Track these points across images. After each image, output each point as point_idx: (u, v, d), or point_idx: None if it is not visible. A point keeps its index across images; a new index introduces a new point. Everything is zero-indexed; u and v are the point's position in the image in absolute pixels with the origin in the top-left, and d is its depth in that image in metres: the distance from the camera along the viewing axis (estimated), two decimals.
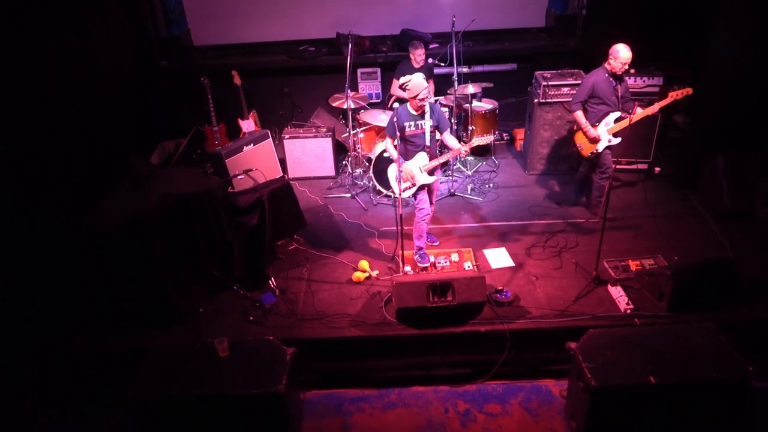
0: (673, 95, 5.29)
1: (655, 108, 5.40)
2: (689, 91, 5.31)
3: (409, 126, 5.03)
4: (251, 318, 4.88)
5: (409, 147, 5.12)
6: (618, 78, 5.47)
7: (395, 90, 6.94)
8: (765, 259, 5.28)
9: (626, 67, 5.37)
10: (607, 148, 5.61)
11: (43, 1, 5.40)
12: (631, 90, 6.48)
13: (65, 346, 4.71)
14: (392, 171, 5.20)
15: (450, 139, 5.20)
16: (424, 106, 4.98)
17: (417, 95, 4.90)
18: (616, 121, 5.50)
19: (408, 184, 5.19)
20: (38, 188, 5.03)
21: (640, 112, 5.31)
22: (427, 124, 5.04)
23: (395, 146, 5.08)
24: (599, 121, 5.57)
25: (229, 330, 4.77)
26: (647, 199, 6.22)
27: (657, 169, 6.80)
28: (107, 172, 5.82)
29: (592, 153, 5.69)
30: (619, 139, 5.53)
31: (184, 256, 4.88)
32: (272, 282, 5.22)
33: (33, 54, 5.19)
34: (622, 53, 5.31)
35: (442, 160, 5.21)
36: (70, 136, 5.61)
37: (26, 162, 4.92)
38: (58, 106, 5.48)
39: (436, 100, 6.50)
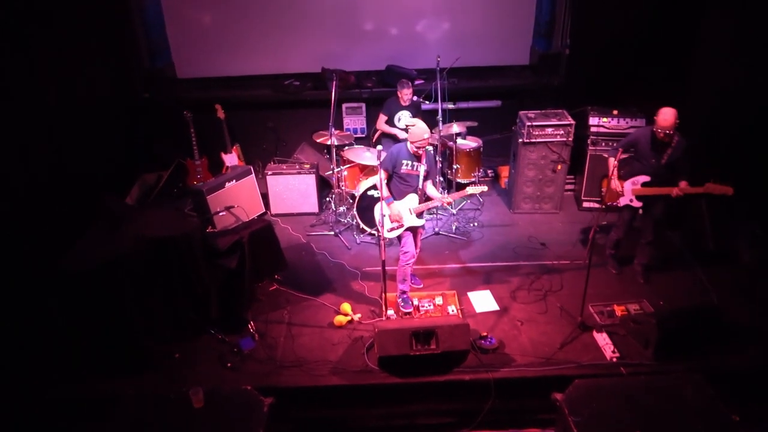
0: (710, 188, 4.92)
1: (681, 191, 5.06)
2: (729, 191, 4.90)
3: (407, 164, 5.02)
4: (229, 364, 4.73)
5: (401, 186, 5.09)
6: (664, 143, 5.10)
7: (381, 125, 6.92)
8: (749, 303, 5.27)
9: (666, 132, 4.98)
10: (631, 209, 5.42)
11: (21, 30, 5.32)
12: (614, 131, 6.57)
13: (34, 393, 4.51)
14: (379, 209, 5.12)
15: (432, 189, 5.21)
16: (422, 153, 4.98)
17: (415, 142, 4.90)
18: (645, 185, 5.23)
19: (396, 224, 5.12)
20: (9, 225, 4.88)
21: (660, 188, 5.13)
22: (422, 168, 5.04)
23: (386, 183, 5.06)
24: (631, 177, 5.38)
25: (206, 377, 4.62)
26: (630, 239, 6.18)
27: (639, 211, 6.77)
28: (85, 206, 5.67)
29: (610, 203, 5.48)
30: (640, 204, 5.34)
31: (159, 299, 4.73)
32: (251, 326, 5.08)
33: (8, 84, 5.09)
34: (660, 118, 5.01)
35: (432, 205, 5.17)
36: (45, 169, 5.50)
37: None
38: (33, 138, 5.37)
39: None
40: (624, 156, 5.48)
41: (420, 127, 4.93)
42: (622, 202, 5.46)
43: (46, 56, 5.73)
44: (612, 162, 5.33)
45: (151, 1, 7.70)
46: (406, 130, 5.21)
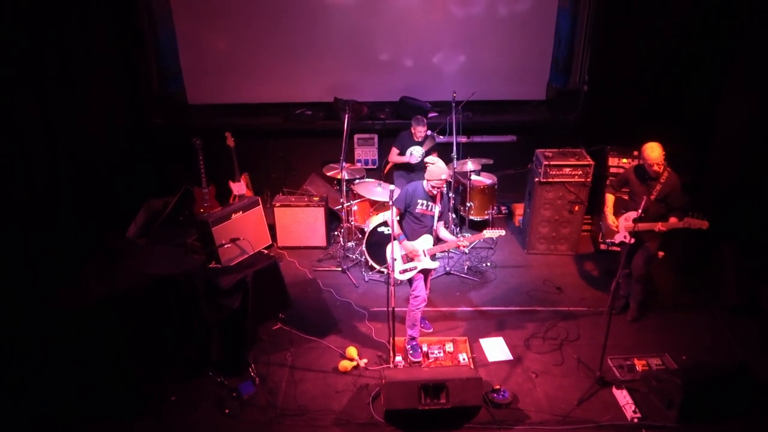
0: (688, 222, 4.91)
1: (664, 226, 4.97)
2: (704, 225, 4.90)
3: (422, 204, 4.84)
4: (227, 411, 4.50)
5: (415, 225, 4.90)
6: (653, 178, 5.03)
7: (393, 157, 6.75)
8: None
9: (656, 168, 4.94)
10: (628, 245, 5.23)
11: (36, 52, 5.26)
12: None
13: None
14: (390, 250, 4.89)
15: (444, 232, 5.02)
16: (441, 191, 4.80)
17: (432, 180, 4.74)
18: (637, 221, 4.96)
19: (409, 265, 4.90)
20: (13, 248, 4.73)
21: (645, 224, 4.96)
22: (437, 209, 4.85)
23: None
24: (625, 213, 5.28)
25: (202, 424, 4.43)
26: (651, 287, 5.93)
27: (660, 253, 6.53)
28: (88, 234, 5.56)
29: (606, 241, 5.40)
30: (633, 240, 5.14)
31: (158, 339, 4.52)
32: (252, 368, 4.85)
33: (15, 109, 4.99)
34: (646, 153, 4.97)
35: (447, 247, 4.97)
36: (51, 188, 5.39)
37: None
38: (40, 158, 5.30)
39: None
40: (619, 194, 5.52)
41: (439, 166, 4.75)
42: (617, 238, 5.41)
43: (59, 79, 5.65)
44: (607, 197, 5.46)
45: (165, 27, 7.63)
46: (424, 164, 5.01)
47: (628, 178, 5.29)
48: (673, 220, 4.97)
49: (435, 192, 4.80)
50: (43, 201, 5.29)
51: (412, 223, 4.92)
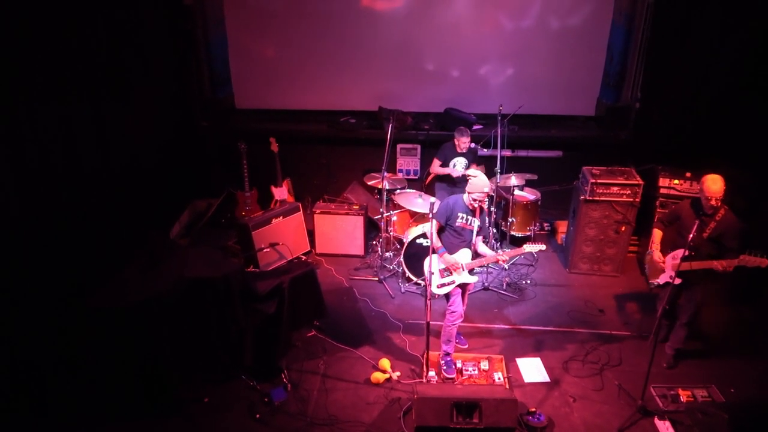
0: (745, 260, 4.48)
1: (720, 265, 4.54)
2: (764, 263, 4.46)
3: (462, 218, 4.80)
4: (258, 416, 4.51)
5: (454, 239, 4.85)
6: (707, 215, 4.63)
7: (435, 168, 6.69)
8: None
9: (714, 203, 4.55)
10: (673, 286, 4.60)
11: (93, 57, 5.47)
12: (685, 194, 6.10)
13: None
14: (428, 264, 4.82)
15: (483, 247, 4.94)
16: (479, 206, 4.75)
17: (473, 193, 4.69)
18: (686, 260, 4.52)
19: (447, 279, 4.83)
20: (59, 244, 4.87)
21: (699, 262, 4.59)
22: (476, 223, 4.78)
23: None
24: (673, 251, 4.88)
25: (233, 427, 4.43)
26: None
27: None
28: (133, 232, 5.72)
29: (653, 282, 5.04)
30: (679, 281, 4.62)
31: (193, 342, 4.56)
32: (284, 375, 4.85)
33: (69, 111, 5.17)
34: (706, 185, 4.57)
35: (485, 262, 4.89)
36: (100, 190, 5.57)
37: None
38: (92, 157, 5.51)
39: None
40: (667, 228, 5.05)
41: (482, 179, 4.70)
42: (662, 279, 4.95)
43: (112, 82, 5.82)
44: (655, 232, 5.02)
45: (217, 33, 7.81)
46: (465, 178, 4.94)
47: (680, 212, 4.90)
48: (722, 262, 4.55)
49: (476, 205, 4.73)
50: (92, 200, 5.45)
51: (451, 237, 4.87)
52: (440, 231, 4.91)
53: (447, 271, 4.85)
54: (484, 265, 4.81)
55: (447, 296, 4.90)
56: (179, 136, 7.55)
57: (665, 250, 4.99)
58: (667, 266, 4.91)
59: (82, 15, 5.30)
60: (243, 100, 8.23)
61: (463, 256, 4.85)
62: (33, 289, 4.59)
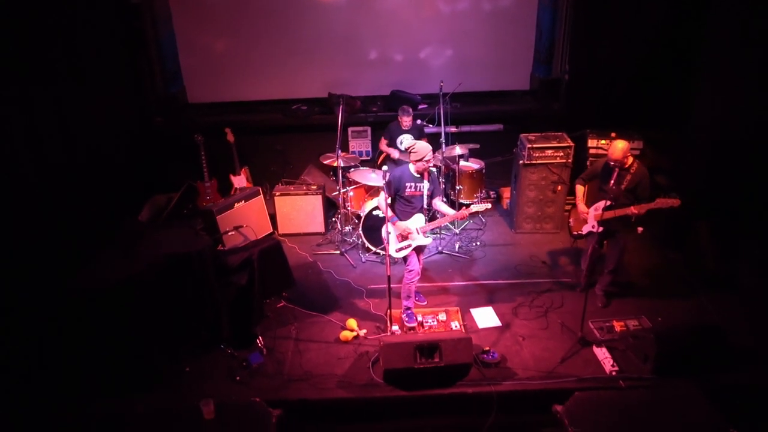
0: (660, 203, 4.96)
1: (637, 209, 5.04)
2: (676, 203, 4.96)
3: (410, 186, 5.16)
4: (237, 378, 4.86)
5: (406, 207, 5.23)
6: (623, 169, 5.16)
7: (383, 147, 7.15)
8: (750, 326, 5.30)
9: (617, 162, 5.08)
10: (597, 235, 5.32)
11: (46, 54, 5.61)
12: None
13: (42, 411, 4.55)
14: (386, 228, 5.24)
15: (442, 206, 5.32)
16: (427, 168, 5.12)
17: (423, 157, 5.05)
18: (606, 209, 5.15)
19: (404, 243, 5.26)
20: (23, 240, 5.05)
21: (620, 209, 5.10)
22: (425, 186, 5.18)
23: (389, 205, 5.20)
24: (595, 203, 5.43)
25: (215, 391, 4.71)
26: (631, 259, 6.31)
27: (640, 228, 6.88)
28: (95, 226, 5.89)
29: (577, 233, 5.65)
30: (601, 229, 5.28)
31: (171, 317, 4.87)
32: (260, 341, 5.22)
33: (33, 109, 5.35)
34: (610, 149, 5.15)
35: (443, 222, 5.29)
36: (60, 186, 5.72)
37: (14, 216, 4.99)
38: (53, 156, 5.65)
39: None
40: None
41: (421, 145, 5.11)
42: (585, 229, 5.55)
43: (71, 77, 6.02)
44: (578, 188, 5.59)
45: (166, 29, 8.00)
46: (407, 151, 5.37)
47: (598, 170, 5.43)
48: (641, 206, 5.07)
49: (424, 171, 5.15)
50: (57, 189, 5.63)
51: (403, 205, 5.25)
52: (393, 202, 5.27)
53: (402, 236, 5.29)
54: (436, 227, 5.21)
55: (404, 259, 5.35)
56: (135, 133, 7.69)
57: (588, 204, 5.55)
58: (590, 217, 5.46)
59: (37, 10, 5.49)
60: (195, 94, 8.45)
61: (417, 220, 5.28)
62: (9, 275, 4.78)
